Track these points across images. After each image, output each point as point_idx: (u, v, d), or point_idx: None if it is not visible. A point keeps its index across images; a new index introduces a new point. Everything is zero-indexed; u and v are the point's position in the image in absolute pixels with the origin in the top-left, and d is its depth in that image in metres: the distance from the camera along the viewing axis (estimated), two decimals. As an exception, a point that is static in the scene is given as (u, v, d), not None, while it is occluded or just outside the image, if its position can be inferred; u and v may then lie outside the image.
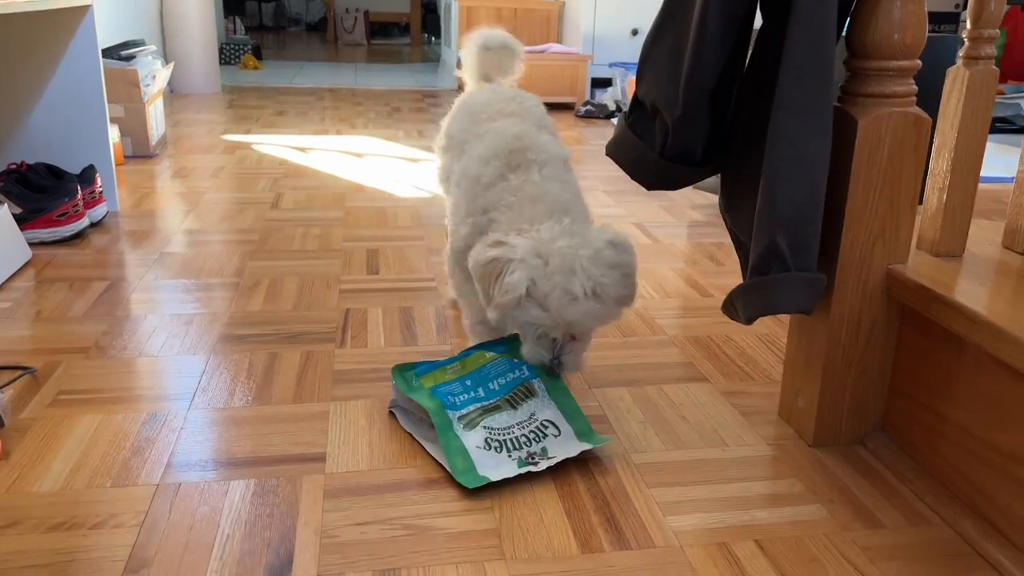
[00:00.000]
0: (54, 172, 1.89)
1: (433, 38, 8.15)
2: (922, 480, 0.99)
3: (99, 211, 1.93)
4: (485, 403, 1.08)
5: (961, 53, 1.01)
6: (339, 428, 1.09)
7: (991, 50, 0.99)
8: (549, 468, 1.00)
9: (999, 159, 2.91)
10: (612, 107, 3.82)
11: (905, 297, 1.00)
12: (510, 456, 1.01)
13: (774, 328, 1.46)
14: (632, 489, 0.98)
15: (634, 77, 3.68)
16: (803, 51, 0.87)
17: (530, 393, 1.09)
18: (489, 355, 1.17)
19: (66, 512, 0.90)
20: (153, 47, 2.93)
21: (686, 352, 1.36)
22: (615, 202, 2.32)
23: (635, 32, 4.48)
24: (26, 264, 1.67)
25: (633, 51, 4.45)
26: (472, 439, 1.02)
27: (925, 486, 0.98)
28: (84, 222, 1.83)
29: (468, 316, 1.29)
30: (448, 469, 0.99)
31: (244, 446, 1.04)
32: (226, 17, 6.35)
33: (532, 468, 0.99)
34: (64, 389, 1.17)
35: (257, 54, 5.73)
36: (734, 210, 1.01)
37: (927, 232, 1.08)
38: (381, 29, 8.63)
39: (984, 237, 1.14)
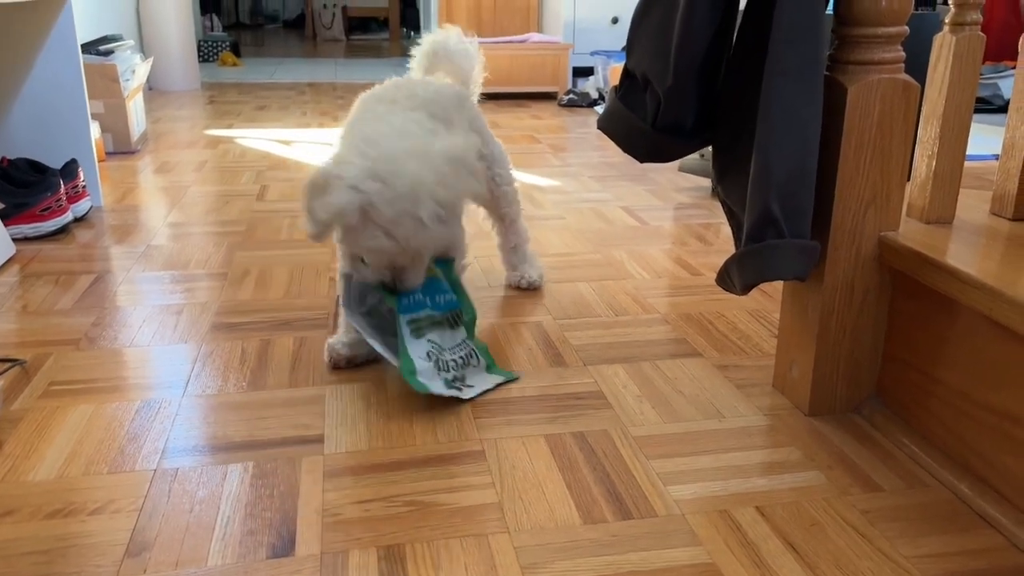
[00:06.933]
0: (36, 167, 1.86)
1: (412, 32, 8.10)
2: (918, 444, 1.00)
3: (83, 206, 1.91)
4: (432, 314, 1.12)
5: (947, 20, 1.01)
6: (336, 410, 1.08)
7: (977, 16, 1.00)
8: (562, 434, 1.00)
9: (979, 138, 2.93)
10: (595, 95, 3.82)
11: (898, 263, 1.00)
12: (439, 374, 1.06)
13: (765, 304, 1.47)
14: (631, 461, 0.98)
15: (616, 65, 3.68)
16: (794, 15, 0.87)
17: (458, 321, 1.14)
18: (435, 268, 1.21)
19: (63, 499, 0.89)
20: (131, 42, 2.90)
21: (678, 329, 1.36)
22: (601, 187, 2.32)
23: (615, 20, 4.49)
24: (10, 260, 1.64)
25: (613, 39, 4.46)
26: (417, 348, 1.07)
27: (921, 450, 0.99)
28: (68, 217, 1.81)
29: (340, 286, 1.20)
30: (398, 368, 1.07)
31: (240, 430, 1.03)
32: (203, 14, 6.29)
33: (457, 393, 1.04)
34: (55, 380, 1.16)
35: (235, 51, 5.68)
36: (727, 180, 1.02)
37: (917, 200, 1.09)
38: (360, 24, 8.56)
39: (972, 205, 1.15)
